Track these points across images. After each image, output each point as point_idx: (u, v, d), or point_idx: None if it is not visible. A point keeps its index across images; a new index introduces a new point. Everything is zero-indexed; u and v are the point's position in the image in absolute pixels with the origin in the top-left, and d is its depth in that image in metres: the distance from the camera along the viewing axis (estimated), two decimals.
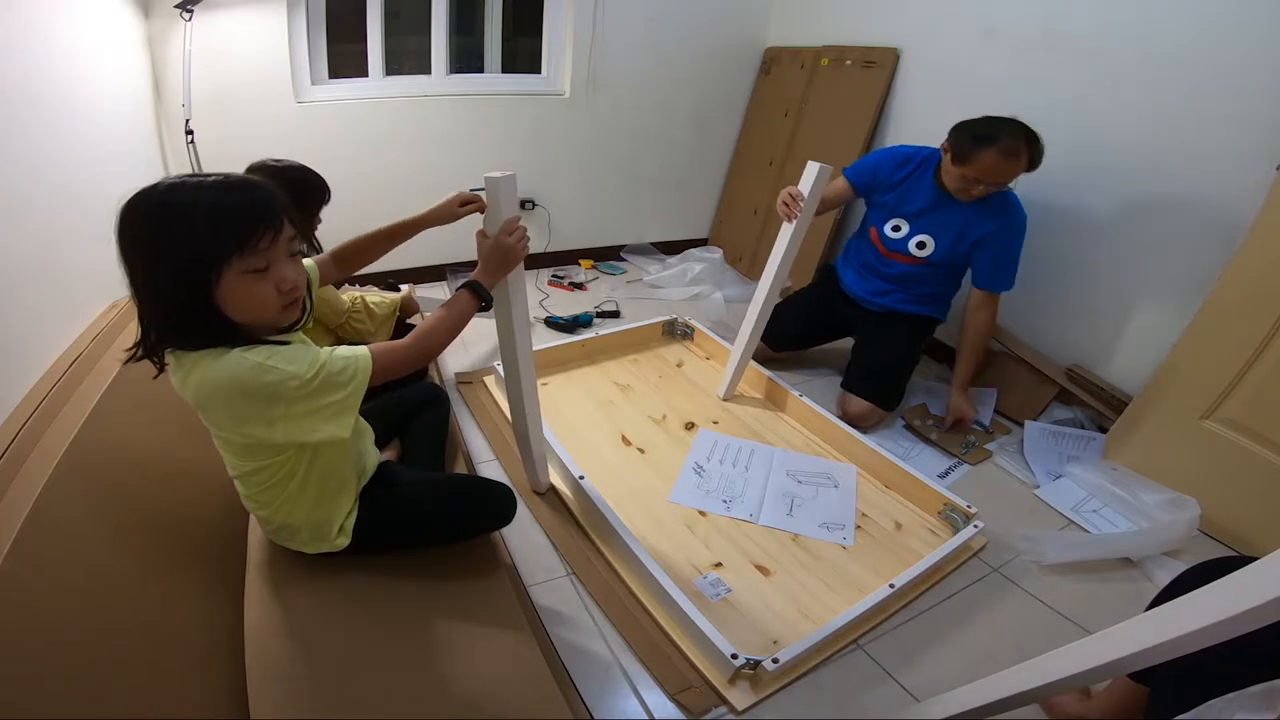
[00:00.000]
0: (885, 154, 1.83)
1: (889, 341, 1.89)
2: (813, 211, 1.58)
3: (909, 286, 1.87)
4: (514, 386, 1.27)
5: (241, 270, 0.75)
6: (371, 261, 1.16)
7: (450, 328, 0.97)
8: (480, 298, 1.01)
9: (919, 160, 1.77)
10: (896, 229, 1.82)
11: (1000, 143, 1.54)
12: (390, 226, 1.14)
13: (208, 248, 0.73)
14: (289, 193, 0.83)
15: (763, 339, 2.06)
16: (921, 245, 1.79)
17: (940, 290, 1.89)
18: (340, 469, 1.00)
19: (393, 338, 1.65)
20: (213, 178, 0.76)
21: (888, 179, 1.80)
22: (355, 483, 1.05)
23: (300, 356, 0.79)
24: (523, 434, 1.35)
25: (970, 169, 1.59)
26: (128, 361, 0.81)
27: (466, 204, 1.12)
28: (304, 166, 1.39)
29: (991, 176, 1.57)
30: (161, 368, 0.82)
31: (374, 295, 1.67)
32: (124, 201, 0.74)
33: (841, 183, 1.86)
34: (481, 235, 1.05)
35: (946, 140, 1.65)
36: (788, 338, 2.08)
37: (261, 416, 0.80)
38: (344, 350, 0.84)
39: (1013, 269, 1.73)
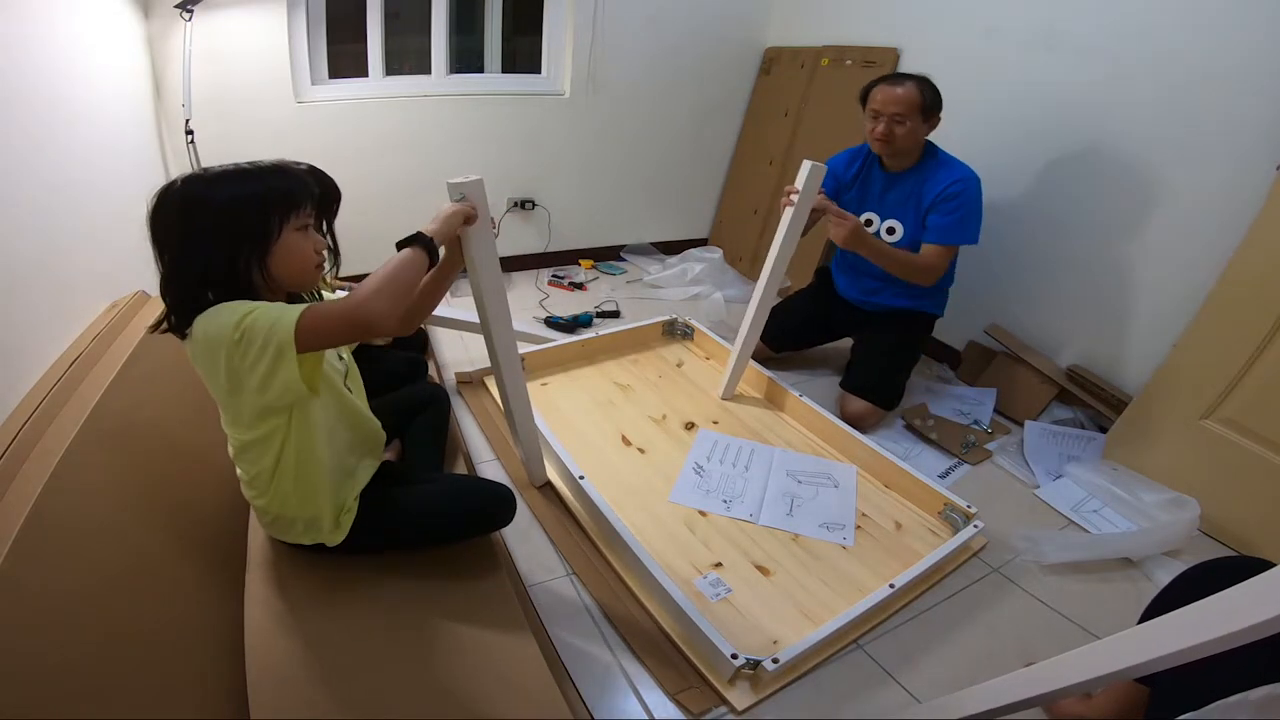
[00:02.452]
0: (836, 157, 1.87)
1: (887, 342, 1.89)
2: (808, 209, 1.58)
3: (896, 280, 1.85)
4: (494, 360, 1.23)
5: (295, 228, 0.88)
6: (431, 310, 1.13)
7: (395, 283, 0.85)
8: (425, 248, 0.90)
9: (865, 153, 1.83)
10: (869, 222, 1.83)
11: (886, 79, 1.68)
12: (433, 273, 1.06)
13: (276, 203, 0.86)
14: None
15: (762, 339, 2.06)
16: (891, 230, 1.80)
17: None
18: (317, 454, 0.96)
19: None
20: (237, 165, 0.87)
21: (845, 176, 1.85)
22: (340, 478, 1.03)
23: (255, 306, 0.81)
24: (507, 401, 1.30)
25: (869, 106, 1.69)
26: (153, 331, 0.89)
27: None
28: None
29: (886, 107, 1.65)
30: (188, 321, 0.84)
31: None
32: (177, 193, 0.83)
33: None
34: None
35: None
36: (787, 338, 2.08)
37: (221, 362, 0.81)
38: (277, 305, 0.82)
39: (957, 221, 1.67)
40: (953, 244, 1.70)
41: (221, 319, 0.81)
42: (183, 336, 0.85)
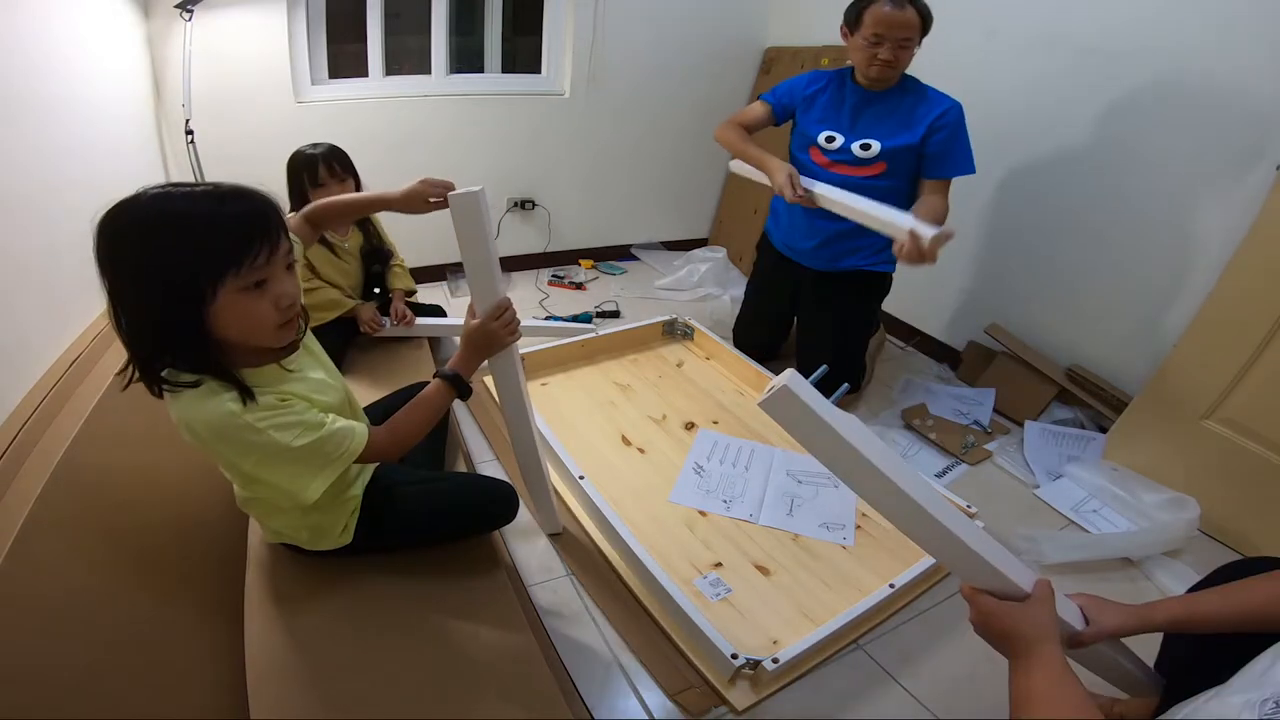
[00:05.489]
0: (797, 78, 1.77)
1: (836, 317, 1.79)
2: None
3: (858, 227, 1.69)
4: (521, 449, 1.22)
5: (238, 288, 0.71)
6: (337, 226, 1.18)
7: (424, 421, 0.96)
8: (457, 390, 0.97)
9: (832, 75, 1.72)
10: (830, 139, 1.68)
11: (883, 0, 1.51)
12: (360, 199, 1.13)
13: (202, 265, 0.69)
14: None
15: (751, 355, 2.04)
16: (866, 147, 1.64)
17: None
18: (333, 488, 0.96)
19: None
20: (202, 187, 0.73)
21: (803, 93, 1.73)
22: (349, 494, 1.03)
23: (295, 424, 0.79)
24: (535, 479, 1.27)
25: (866, 29, 1.53)
26: (125, 387, 0.77)
27: (436, 199, 1.02)
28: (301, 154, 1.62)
29: (891, 30, 1.51)
30: (158, 392, 0.75)
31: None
32: (103, 212, 0.69)
33: (760, 107, 1.77)
34: (470, 314, 1.01)
35: (842, 26, 1.62)
36: (775, 345, 2.06)
37: (239, 463, 0.80)
38: (344, 424, 0.85)
39: (965, 152, 1.60)
40: (957, 175, 1.61)
41: (268, 434, 0.76)
42: (158, 392, 0.76)
